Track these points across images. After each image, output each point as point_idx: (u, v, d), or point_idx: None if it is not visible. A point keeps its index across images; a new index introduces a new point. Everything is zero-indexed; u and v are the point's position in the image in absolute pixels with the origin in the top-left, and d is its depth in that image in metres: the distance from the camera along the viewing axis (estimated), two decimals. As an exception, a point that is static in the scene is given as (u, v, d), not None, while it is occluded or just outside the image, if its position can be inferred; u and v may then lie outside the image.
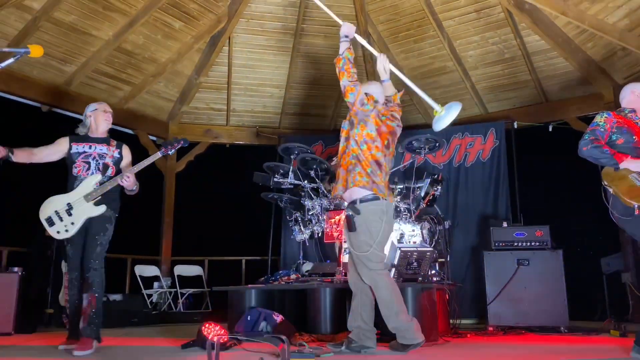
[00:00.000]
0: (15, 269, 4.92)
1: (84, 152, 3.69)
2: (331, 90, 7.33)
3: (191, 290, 7.27)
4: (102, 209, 3.57)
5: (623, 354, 3.03)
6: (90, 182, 3.59)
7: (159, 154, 3.75)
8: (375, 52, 3.63)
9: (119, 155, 3.79)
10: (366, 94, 3.32)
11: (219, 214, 8.75)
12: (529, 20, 5.87)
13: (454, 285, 4.76)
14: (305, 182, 5.39)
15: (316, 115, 7.79)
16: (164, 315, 6.61)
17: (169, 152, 3.89)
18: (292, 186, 5.54)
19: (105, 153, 3.73)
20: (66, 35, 5.74)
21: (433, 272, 4.67)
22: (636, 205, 2.89)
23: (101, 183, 3.60)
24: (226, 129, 7.73)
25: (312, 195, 5.39)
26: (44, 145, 3.75)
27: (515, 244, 5.03)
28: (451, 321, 4.57)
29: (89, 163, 3.66)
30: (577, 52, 5.99)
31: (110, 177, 3.65)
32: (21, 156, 3.56)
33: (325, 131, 7.78)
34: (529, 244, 4.99)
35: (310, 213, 5.30)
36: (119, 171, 3.73)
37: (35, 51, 2.33)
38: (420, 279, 4.18)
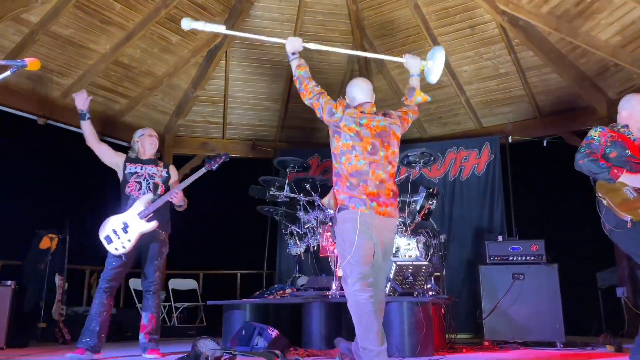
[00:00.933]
0: (9, 282, 4.87)
1: (136, 172, 4.04)
2: (327, 104, 7.34)
3: (185, 304, 7.23)
4: (153, 224, 3.87)
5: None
6: (143, 201, 3.91)
7: (203, 170, 4.06)
8: (397, 59, 3.48)
9: (167, 175, 4.15)
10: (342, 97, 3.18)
11: (214, 227, 8.72)
12: (522, 36, 5.94)
13: (449, 300, 4.75)
14: (301, 195, 5.40)
15: (312, 129, 7.82)
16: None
17: (213, 168, 4.14)
18: (287, 199, 5.54)
19: (154, 173, 4.09)
20: (63, 49, 5.76)
21: (429, 286, 4.66)
22: (628, 219, 2.91)
23: (152, 201, 3.91)
24: (222, 142, 7.75)
25: (308, 209, 5.39)
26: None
27: (511, 258, 5.02)
28: (447, 336, 4.55)
29: (140, 183, 4.01)
30: (571, 68, 6.05)
31: (160, 195, 3.98)
32: (89, 129, 4.03)
33: (322, 145, 7.80)
34: (524, 258, 4.99)
35: (305, 226, 5.30)
36: (167, 189, 4.08)
37: (32, 64, 2.34)
38: (416, 293, 4.17)
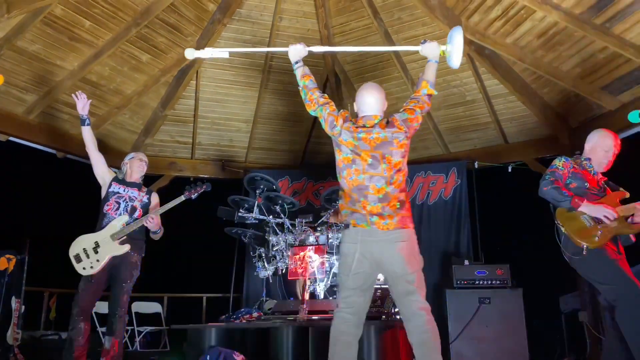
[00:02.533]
0: (-39, 305, 4.66)
1: (118, 192, 4.04)
2: (299, 127, 7.39)
3: (149, 328, 7.02)
4: (125, 247, 3.84)
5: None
6: (117, 223, 3.88)
7: (182, 198, 4.04)
8: (413, 47, 3.31)
9: (147, 200, 4.13)
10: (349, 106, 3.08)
11: (180, 249, 8.56)
12: (488, 65, 6.13)
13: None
14: (270, 217, 5.36)
15: (283, 151, 7.82)
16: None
17: (192, 197, 4.10)
18: (256, 221, 5.49)
19: (135, 197, 4.07)
20: (29, 64, 5.62)
21: (396, 309, 4.66)
22: (584, 246, 3.00)
23: (127, 224, 3.89)
24: (191, 163, 7.66)
25: (277, 231, 5.35)
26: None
27: (477, 282, 5.09)
28: (414, 360, 4.54)
29: (119, 204, 3.99)
30: (534, 97, 6.25)
31: (136, 219, 3.93)
32: (89, 135, 4.15)
33: (293, 167, 7.81)
34: (490, 282, 5.06)
35: (274, 249, 5.26)
36: (145, 214, 4.02)
37: (-4, 79, 2.28)
38: (383, 317, 4.16)
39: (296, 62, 3.12)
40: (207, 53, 3.38)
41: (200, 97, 7.08)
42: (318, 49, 3.22)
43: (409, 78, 6.65)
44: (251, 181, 5.60)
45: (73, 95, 4.11)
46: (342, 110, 3.01)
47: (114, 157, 7.09)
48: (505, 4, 5.32)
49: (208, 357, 3.96)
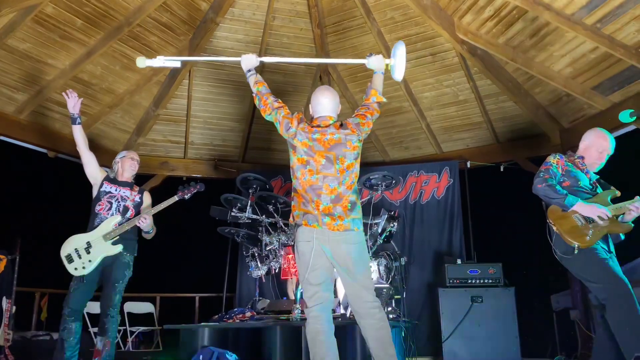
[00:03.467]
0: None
1: (110, 192, 4.01)
2: (291, 126, 7.36)
3: (141, 328, 7.00)
4: (118, 248, 3.82)
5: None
6: (109, 223, 3.86)
7: (175, 198, 4.03)
8: (359, 61, 3.48)
9: (139, 200, 4.11)
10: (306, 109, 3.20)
11: (173, 249, 8.54)
12: (481, 65, 6.15)
13: (409, 323, 4.77)
14: (264, 216, 5.35)
15: (276, 150, 7.81)
16: (112, 355, 6.31)
17: (186, 197, 4.09)
18: (249, 221, 5.49)
19: (127, 196, 4.04)
20: (20, 63, 5.59)
21: (389, 309, 4.68)
22: (576, 245, 3.01)
23: (119, 224, 3.87)
24: (183, 162, 7.64)
25: (270, 230, 5.35)
26: None
27: (469, 281, 5.11)
28: (407, 359, 4.56)
29: (111, 203, 3.97)
30: (526, 97, 6.29)
31: (129, 219, 3.92)
32: (79, 134, 4.06)
33: (285, 166, 7.76)
34: (482, 281, 5.08)
35: (267, 248, 5.25)
36: (137, 214, 4.01)
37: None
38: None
39: (249, 71, 3.24)
40: (159, 62, 3.40)
41: (193, 96, 7.05)
42: (268, 59, 3.47)
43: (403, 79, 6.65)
44: (244, 181, 5.59)
45: (63, 93, 4.05)
46: (296, 113, 3.10)
47: (106, 157, 7.05)
48: (497, 4, 5.35)
49: (201, 357, 3.95)
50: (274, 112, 3.08)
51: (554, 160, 3.22)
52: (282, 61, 3.12)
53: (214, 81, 6.97)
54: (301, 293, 4.74)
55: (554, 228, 3.11)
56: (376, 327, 2.84)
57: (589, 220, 3.03)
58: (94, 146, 6.88)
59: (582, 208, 3.03)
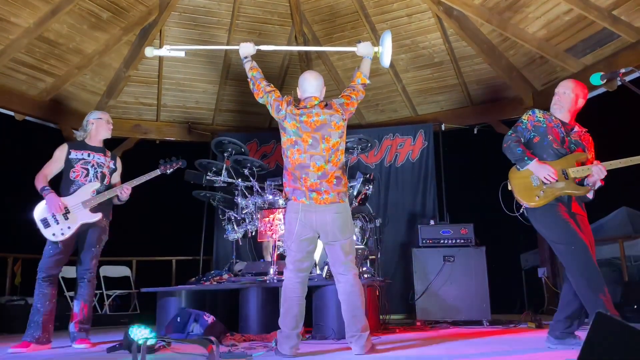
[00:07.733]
0: None
1: (83, 158, 3.91)
2: (266, 88, 7.27)
3: (118, 292, 7.01)
4: (97, 216, 3.81)
5: (538, 344, 3.23)
6: (88, 189, 3.83)
7: (157, 172, 4.04)
8: (347, 48, 3.70)
9: (114, 167, 4.07)
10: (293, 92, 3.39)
11: (149, 213, 8.47)
12: (456, 26, 6.12)
13: (384, 282, 4.88)
14: (239, 180, 5.33)
15: (251, 113, 7.72)
16: (89, 318, 6.32)
17: (167, 172, 4.12)
18: (225, 184, 5.46)
19: (102, 163, 3.98)
20: (-20, 21, 5.35)
21: (364, 269, 4.77)
22: (525, 205, 3.10)
23: (98, 192, 3.84)
24: (156, 125, 7.51)
25: (246, 194, 5.34)
26: None
27: (442, 241, 5.23)
28: (381, 317, 4.69)
29: (87, 170, 3.89)
30: (500, 59, 6.31)
31: (107, 187, 3.92)
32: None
33: (261, 129, 7.74)
34: (454, 241, 5.20)
35: (243, 212, 5.25)
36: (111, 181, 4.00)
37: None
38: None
39: (245, 58, 3.42)
40: (164, 51, 3.56)
41: (165, 57, 6.86)
42: (266, 47, 3.59)
43: (378, 38, 6.58)
44: (219, 144, 5.53)
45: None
46: (286, 96, 3.29)
47: (74, 120, 6.92)
48: (474, -36, 5.30)
49: (178, 319, 3.99)
50: (266, 95, 3.27)
51: (526, 117, 3.24)
52: (278, 49, 3.19)
53: (186, 42, 6.78)
54: (281, 254, 4.81)
55: (509, 187, 3.19)
56: (348, 291, 3.11)
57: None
58: (62, 109, 6.74)
59: (534, 167, 3.07)
